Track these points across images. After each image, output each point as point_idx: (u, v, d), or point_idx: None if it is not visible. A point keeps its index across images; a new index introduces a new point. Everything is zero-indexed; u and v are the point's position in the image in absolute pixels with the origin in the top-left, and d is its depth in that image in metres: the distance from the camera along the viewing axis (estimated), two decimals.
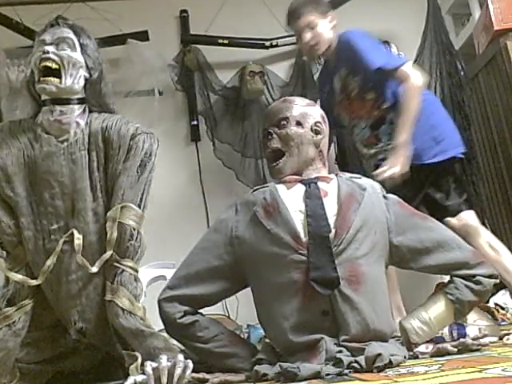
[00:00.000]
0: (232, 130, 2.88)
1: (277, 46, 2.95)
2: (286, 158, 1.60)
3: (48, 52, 1.61)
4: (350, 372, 1.24)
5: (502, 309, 2.18)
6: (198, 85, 2.91)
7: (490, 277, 1.53)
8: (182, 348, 1.53)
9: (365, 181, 1.62)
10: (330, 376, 1.22)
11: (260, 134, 2.80)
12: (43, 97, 1.66)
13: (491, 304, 2.16)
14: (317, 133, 1.63)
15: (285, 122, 1.61)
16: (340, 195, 1.51)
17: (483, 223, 2.58)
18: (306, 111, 1.64)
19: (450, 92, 2.59)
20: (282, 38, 2.93)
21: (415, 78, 2.06)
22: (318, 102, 2.33)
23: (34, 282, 1.54)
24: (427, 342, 1.51)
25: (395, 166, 1.98)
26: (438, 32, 2.64)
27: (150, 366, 1.20)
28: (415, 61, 2.63)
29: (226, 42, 2.91)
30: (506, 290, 2.32)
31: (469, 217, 2.16)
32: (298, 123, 1.62)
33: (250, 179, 2.82)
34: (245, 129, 2.89)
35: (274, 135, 1.61)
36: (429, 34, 2.64)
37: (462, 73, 2.58)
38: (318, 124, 1.64)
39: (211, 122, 2.88)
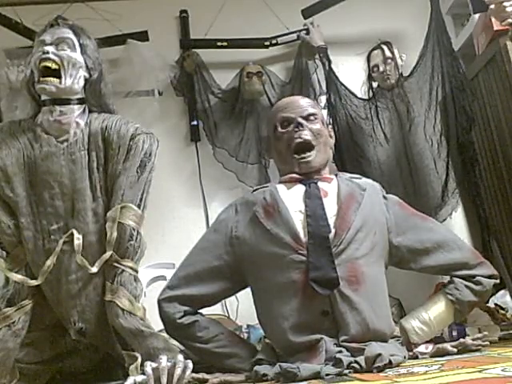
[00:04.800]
0: (231, 134, 2.87)
1: (277, 44, 2.95)
2: (315, 151, 1.58)
3: (48, 52, 1.61)
4: (349, 372, 1.24)
5: (502, 309, 2.17)
6: (197, 89, 2.91)
7: (489, 277, 1.53)
8: (182, 348, 1.53)
9: (365, 181, 1.62)
10: (329, 376, 1.22)
11: (261, 136, 2.81)
12: (43, 97, 1.66)
13: (491, 304, 2.16)
14: (330, 136, 1.66)
15: (313, 118, 1.61)
16: (340, 195, 1.51)
17: (483, 223, 2.59)
18: (323, 114, 1.66)
19: (452, 94, 2.59)
20: (281, 35, 2.93)
21: None
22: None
23: (33, 283, 1.54)
24: (427, 342, 1.51)
25: None
26: (440, 35, 2.63)
27: (149, 366, 1.20)
28: (417, 62, 2.62)
29: (224, 44, 2.91)
30: (505, 290, 2.32)
31: None
32: (323, 123, 1.63)
33: (251, 180, 2.82)
34: (245, 132, 2.88)
35: (305, 127, 1.58)
36: (431, 36, 2.64)
37: (464, 75, 2.58)
38: (330, 128, 1.66)
39: (210, 126, 2.87)
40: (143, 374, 1.22)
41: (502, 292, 2.31)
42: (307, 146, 1.57)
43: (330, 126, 1.81)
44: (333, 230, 1.44)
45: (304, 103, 1.64)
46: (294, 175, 1.58)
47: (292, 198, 1.52)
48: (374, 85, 2.70)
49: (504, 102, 2.50)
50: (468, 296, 1.49)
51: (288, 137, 1.58)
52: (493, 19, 2.50)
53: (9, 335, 1.51)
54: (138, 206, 1.61)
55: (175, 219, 2.79)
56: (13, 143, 1.63)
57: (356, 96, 2.68)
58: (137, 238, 1.59)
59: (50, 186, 1.59)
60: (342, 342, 1.35)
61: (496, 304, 2.19)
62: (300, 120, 1.58)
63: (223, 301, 2.20)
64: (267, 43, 2.94)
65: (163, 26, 3.00)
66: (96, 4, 2.91)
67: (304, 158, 1.57)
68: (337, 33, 2.96)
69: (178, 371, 1.20)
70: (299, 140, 1.57)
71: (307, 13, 2.88)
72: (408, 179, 2.56)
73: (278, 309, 1.43)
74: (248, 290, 1.57)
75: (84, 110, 1.69)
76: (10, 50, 2.71)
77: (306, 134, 1.57)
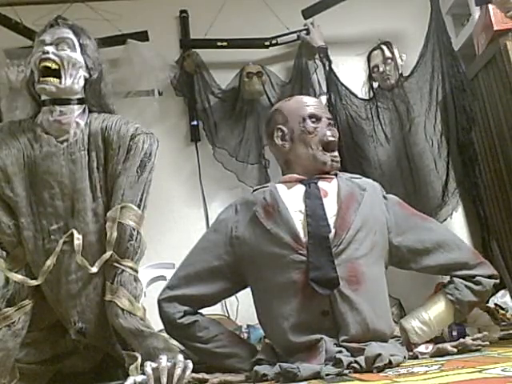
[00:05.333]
0: (231, 134, 2.87)
1: (277, 44, 2.95)
2: (337, 153, 1.62)
3: (48, 52, 1.61)
4: (349, 372, 1.24)
5: (502, 309, 2.17)
6: (197, 89, 2.91)
7: (489, 277, 1.53)
8: (182, 348, 1.53)
9: (365, 181, 1.62)
10: (329, 376, 1.22)
11: (261, 136, 2.80)
12: (43, 97, 1.66)
13: (491, 304, 2.16)
14: None
15: (333, 123, 1.65)
16: (340, 195, 1.51)
17: (483, 223, 2.59)
18: None
19: (452, 94, 2.59)
20: (281, 35, 2.93)
21: None
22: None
23: (33, 283, 1.54)
24: (427, 342, 1.51)
25: None
26: (440, 35, 2.63)
27: (149, 366, 1.20)
28: (417, 62, 2.62)
29: (224, 44, 2.91)
30: (505, 290, 2.32)
31: None
32: None
33: (251, 180, 2.81)
34: (245, 132, 2.88)
35: (334, 127, 1.62)
36: (431, 36, 2.64)
37: (464, 75, 2.58)
38: None
39: (210, 126, 2.87)
40: (143, 374, 1.22)
41: (502, 292, 2.31)
42: (335, 147, 1.61)
43: None
44: (333, 230, 1.44)
45: (324, 107, 1.71)
46: (295, 175, 1.58)
47: (292, 198, 1.52)
48: (375, 85, 2.70)
49: (504, 102, 2.50)
50: (468, 296, 1.49)
51: (322, 132, 1.59)
52: (493, 19, 2.50)
53: (9, 335, 1.51)
54: (138, 206, 1.60)
55: (175, 219, 2.79)
56: (13, 143, 1.63)
57: (356, 96, 2.68)
58: (137, 238, 1.59)
59: (50, 186, 1.59)
60: (342, 342, 1.35)
61: (496, 304, 2.19)
62: (329, 120, 1.62)
63: (223, 301, 2.20)
64: (267, 43, 2.94)
65: (163, 26, 3.00)
66: (96, 4, 2.91)
67: (336, 156, 1.60)
68: (337, 33, 2.96)
69: (178, 371, 1.20)
70: (333, 138, 1.60)
71: (307, 13, 2.88)
72: (408, 179, 2.56)
73: (277, 309, 1.43)
74: (248, 290, 1.57)
75: (84, 110, 1.69)
76: (10, 49, 2.71)
77: (335, 134, 1.61)
